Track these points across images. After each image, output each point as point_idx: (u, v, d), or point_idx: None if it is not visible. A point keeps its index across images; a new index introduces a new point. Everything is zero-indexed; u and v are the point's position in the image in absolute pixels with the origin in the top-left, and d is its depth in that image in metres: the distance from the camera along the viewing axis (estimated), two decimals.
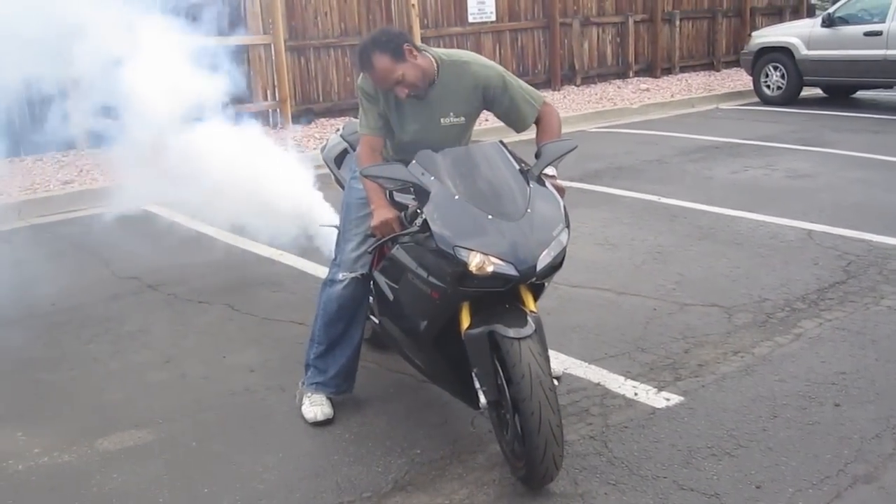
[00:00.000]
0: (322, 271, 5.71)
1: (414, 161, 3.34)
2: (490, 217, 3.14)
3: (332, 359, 3.84)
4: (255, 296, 5.49)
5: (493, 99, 3.64)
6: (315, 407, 3.81)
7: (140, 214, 7.53)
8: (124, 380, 4.39)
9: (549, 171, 3.41)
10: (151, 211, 7.71)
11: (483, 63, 3.65)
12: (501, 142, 3.48)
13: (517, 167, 3.36)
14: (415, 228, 3.25)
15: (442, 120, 3.63)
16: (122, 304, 5.48)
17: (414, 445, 3.59)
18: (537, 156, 3.42)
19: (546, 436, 2.99)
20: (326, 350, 3.84)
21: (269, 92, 11.54)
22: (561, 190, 3.39)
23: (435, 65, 3.56)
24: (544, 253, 3.12)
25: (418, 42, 3.51)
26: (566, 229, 3.24)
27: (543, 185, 3.33)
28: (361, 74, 3.62)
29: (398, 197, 3.57)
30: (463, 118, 3.66)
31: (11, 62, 5.76)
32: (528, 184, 3.28)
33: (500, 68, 3.67)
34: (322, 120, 11.94)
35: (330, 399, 3.88)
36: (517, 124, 3.69)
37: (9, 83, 5.99)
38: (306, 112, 11.86)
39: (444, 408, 3.86)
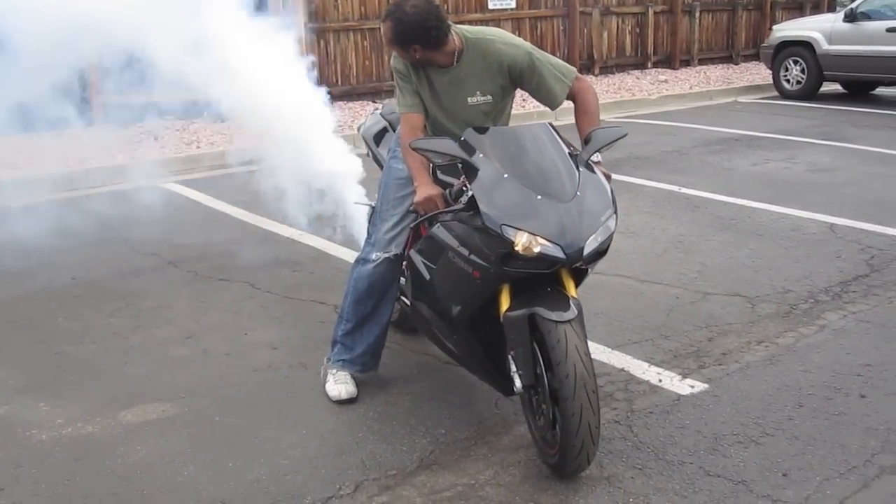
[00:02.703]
0: (342, 252, 5.74)
1: (463, 137, 3.30)
2: (539, 197, 3.09)
3: (359, 336, 3.83)
4: (276, 274, 5.49)
5: (520, 77, 3.57)
6: (339, 385, 3.81)
7: (159, 191, 7.54)
8: (146, 354, 4.39)
9: (595, 157, 3.36)
10: (170, 188, 7.72)
11: (508, 41, 3.58)
12: (551, 124, 3.43)
13: (566, 150, 3.30)
14: (460, 206, 3.21)
15: (469, 99, 3.59)
16: (142, 279, 5.49)
17: (438, 425, 3.59)
18: (586, 141, 3.37)
19: (584, 421, 2.95)
20: (354, 328, 3.83)
21: None
22: (608, 176, 3.33)
23: (460, 43, 3.52)
24: (592, 237, 3.07)
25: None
26: (614, 215, 3.19)
27: (592, 170, 3.27)
28: (394, 54, 3.60)
29: (441, 175, 3.54)
30: (490, 97, 3.61)
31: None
32: (578, 168, 3.23)
33: (528, 45, 3.59)
34: (340, 103, 11.90)
35: (354, 378, 3.87)
36: (548, 102, 3.61)
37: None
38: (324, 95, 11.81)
39: (469, 389, 3.86)
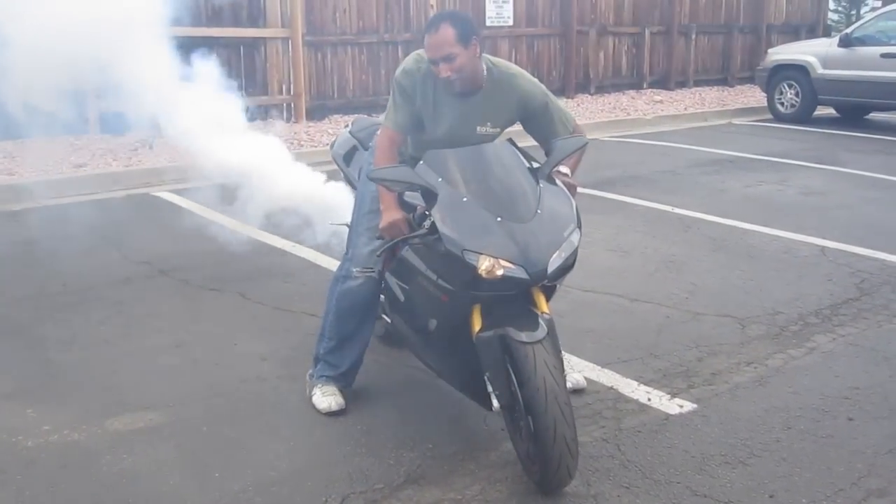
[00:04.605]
0: (334, 264, 5.70)
1: (422, 162, 3.29)
2: (499, 219, 3.09)
3: (342, 355, 3.82)
4: (267, 285, 5.48)
5: (531, 116, 3.61)
6: (328, 397, 3.79)
7: (152, 200, 7.54)
8: (135, 362, 4.37)
9: (563, 168, 3.36)
10: (163, 198, 7.72)
11: (530, 79, 3.62)
12: (511, 140, 3.44)
13: (527, 165, 3.30)
14: (423, 231, 3.19)
15: (478, 128, 3.58)
16: (133, 287, 5.47)
17: (426, 440, 3.58)
18: (547, 153, 3.38)
19: (560, 434, 2.93)
20: (337, 346, 3.83)
21: (284, 86, 11.55)
22: (572, 187, 3.33)
23: (484, 70, 3.53)
24: (555, 255, 3.07)
25: None
26: (577, 229, 3.18)
27: (554, 183, 3.27)
28: (401, 67, 3.58)
29: (408, 197, 3.50)
30: (498, 129, 3.63)
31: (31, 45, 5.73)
32: (538, 183, 3.22)
33: (544, 87, 3.65)
34: (336, 116, 11.95)
35: (341, 390, 3.86)
36: (546, 143, 3.61)
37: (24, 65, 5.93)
38: (321, 108, 11.87)
39: (457, 404, 3.84)
